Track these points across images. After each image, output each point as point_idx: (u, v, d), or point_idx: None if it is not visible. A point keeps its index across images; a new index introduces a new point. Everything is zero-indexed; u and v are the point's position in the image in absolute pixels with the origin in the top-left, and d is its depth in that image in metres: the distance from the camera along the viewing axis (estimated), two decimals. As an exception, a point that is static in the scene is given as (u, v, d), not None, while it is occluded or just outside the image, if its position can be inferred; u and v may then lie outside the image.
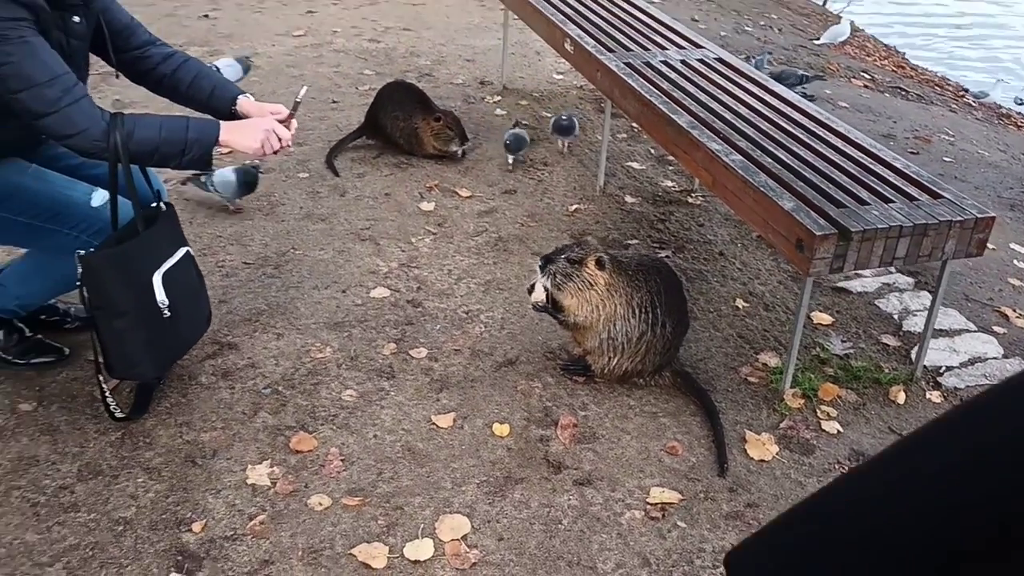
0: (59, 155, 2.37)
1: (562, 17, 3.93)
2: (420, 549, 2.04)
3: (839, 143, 2.82)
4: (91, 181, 2.33)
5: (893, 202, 2.46)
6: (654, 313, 2.49)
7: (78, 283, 2.16)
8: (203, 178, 3.32)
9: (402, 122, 3.94)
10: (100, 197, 2.28)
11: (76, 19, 2.17)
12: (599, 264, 2.47)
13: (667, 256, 3.28)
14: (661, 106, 3.02)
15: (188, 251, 2.38)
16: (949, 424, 0.81)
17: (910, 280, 3.29)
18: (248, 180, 3.36)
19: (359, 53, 5.31)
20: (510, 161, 3.90)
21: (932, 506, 0.78)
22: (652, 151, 4.23)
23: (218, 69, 4.15)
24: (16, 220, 2.23)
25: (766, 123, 2.94)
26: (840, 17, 9.61)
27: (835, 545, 0.86)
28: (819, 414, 2.56)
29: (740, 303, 3.07)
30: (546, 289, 2.51)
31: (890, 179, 2.59)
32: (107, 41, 2.30)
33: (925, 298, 3.14)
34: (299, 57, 5.12)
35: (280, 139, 2.31)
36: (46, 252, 2.33)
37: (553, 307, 2.54)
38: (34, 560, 1.96)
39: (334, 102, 4.54)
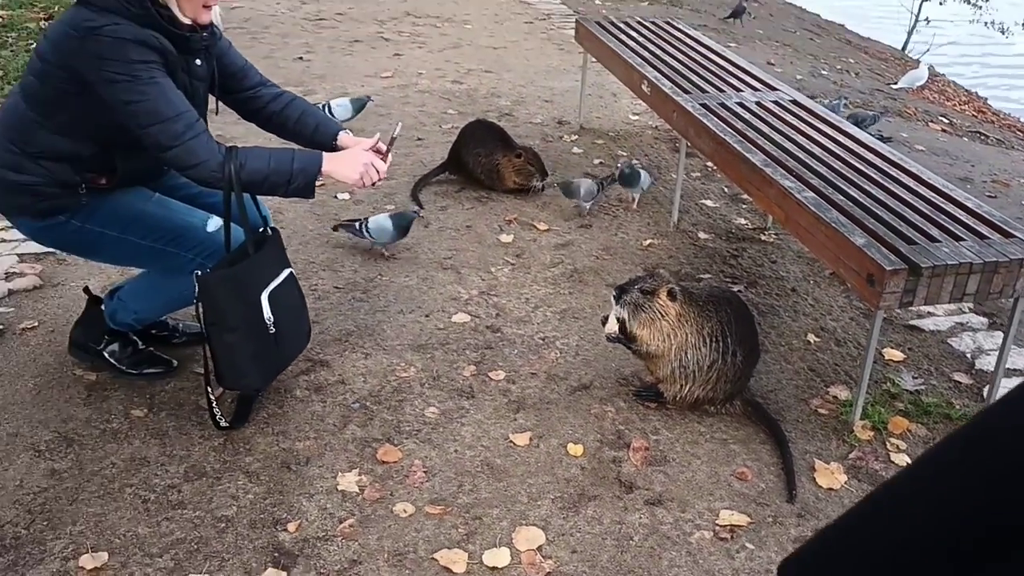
0: (179, 185, 2.60)
1: (640, 60, 4.08)
2: (498, 557, 2.16)
3: (911, 183, 2.88)
4: (207, 209, 2.55)
5: (964, 240, 2.52)
6: (724, 342, 2.58)
7: (195, 300, 2.37)
8: (357, 224, 3.46)
9: (483, 158, 4.12)
10: (215, 223, 2.49)
11: (198, 62, 2.40)
12: (671, 295, 2.57)
13: (739, 291, 3.36)
14: (735, 145, 3.13)
15: (291, 272, 2.57)
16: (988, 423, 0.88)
17: (984, 320, 3.30)
18: (403, 224, 3.47)
19: (443, 94, 5.55)
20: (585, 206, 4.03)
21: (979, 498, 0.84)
22: (725, 189, 4.33)
23: (329, 107, 4.47)
24: (141, 243, 2.45)
25: (838, 162, 3.02)
26: (919, 62, 9.57)
27: (887, 543, 0.88)
28: (888, 446, 2.60)
29: (811, 338, 3.13)
30: (619, 320, 2.63)
31: (961, 218, 2.65)
32: (217, 82, 2.53)
33: (998, 337, 3.15)
34: (387, 97, 5.38)
35: (377, 171, 2.50)
36: (164, 273, 2.55)
37: (626, 337, 2.65)
38: (145, 551, 2.14)
39: (419, 139, 4.76)
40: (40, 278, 3.23)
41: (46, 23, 6.58)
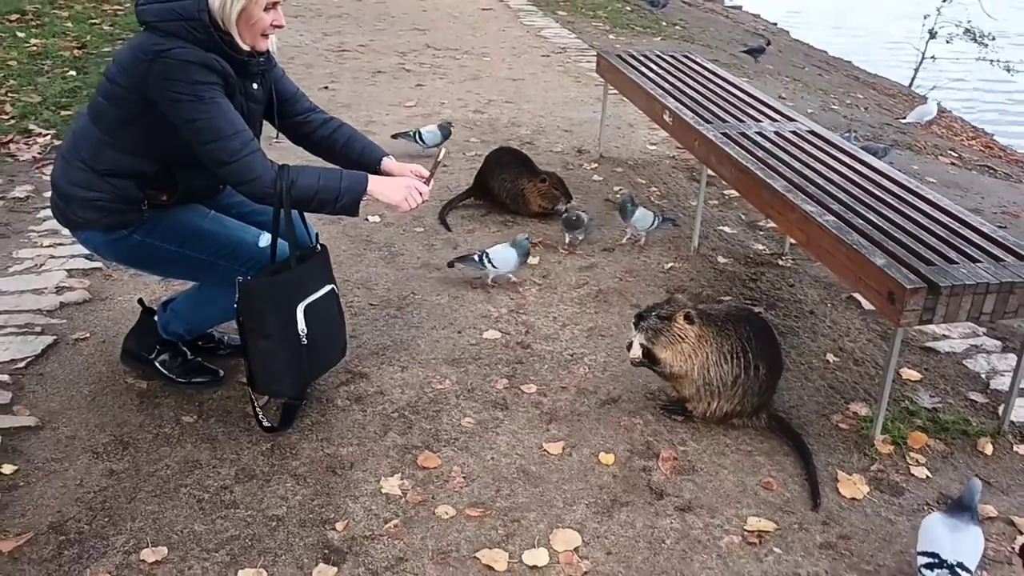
0: (233, 203, 2.74)
1: (661, 92, 4.24)
2: (537, 556, 2.26)
3: (928, 208, 3.01)
4: (258, 227, 2.68)
5: (980, 262, 2.64)
6: (746, 357, 2.70)
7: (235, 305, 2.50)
8: (477, 256, 3.53)
9: (509, 184, 4.27)
10: (266, 239, 2.62)
11: (255, 86, 2.55)
12: (687, 319, 2.71)
13: (759, 312, 3.48)
14: (757, 171, 3.27)
15: (333, 288, 2.70)
16: None
17: (997, 343, 3.41)
18: (524, 251, 3.57)
19: (465, 123, 5.72)
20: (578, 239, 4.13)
21: None
22: (743, 217, 4.47)
23: (420, 134, 4.81)
24: (197, 257, 2.59)
25: (857, 189, 3.16)
26: (926, 98, 9.75)
27: None
28: (908, 460, 2.70)
29: (831, 357, 3.24)
30: (642, 345, 2.76)
31: (977, 241, 2.77)
32: (276, 107, 2.68)
33: (1011, 359, 3.26)
34: (411, 126, 5.54)
35: (420, 194, 2.64)
36: (216, 286, 2.68)
37: (650, 360, 2.78)
38: (202, 546, 2.24)
39: (444, 166, 4.92)
40: (89, 292, 3.36)
41: (79, 51, 6.79)
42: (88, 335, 3.10)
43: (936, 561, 2.07)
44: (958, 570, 2.06)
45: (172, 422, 2.69)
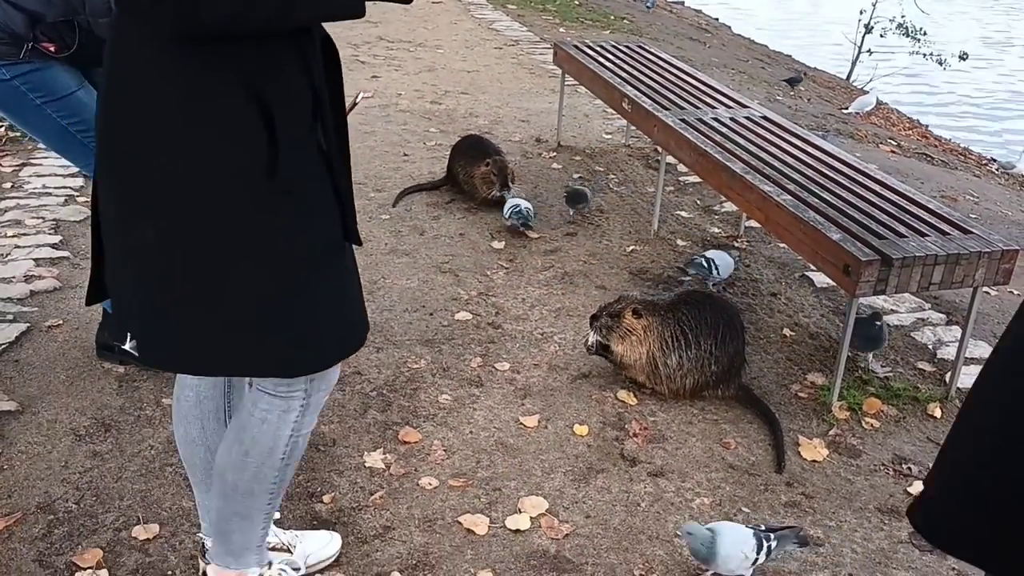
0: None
1: (620, 80, 4.36)
2: (519, 521, 2.35)
3: (877, 188, 3.17)
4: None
5: (928, 236, 2.80)
6: (686, 339, 2.85)
7: None
8: (705, 262, 3.53)
9: (464, 171, 4.34)
10: None
11: None
12: (635, 313, 2.90)
13: (719, 291, 3.62)
14: (716, 155, 3.40)
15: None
16: None
17: (943, 316, 3.60)
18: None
19: (423, 113, 5.78)
20: (571, 213, 4.26)
21: None
22: (698, 202, 4.61)
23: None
24: (55, 119, 2.57)
25: (811, 170, 3.31)
26: (864, 91, 10.09)
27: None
28: (864, 425, 2.86)
29: (787, 332, 3.39)
30: (597, 342, 2.97)
31: (925, 217, 2.94)
32: None
33: (956, 331, 3.45)
34: (369, 116, 5.58)
35: None
36: (73, 157, 2.70)
37: (607, 352, 2.97)
38: (192, 521, 2.28)
39: (405, 155, 4.98)
40: (58, 280, 3.36)
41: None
42: (61, 322, 3.10)
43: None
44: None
45: (152, 404, 2.72)
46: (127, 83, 1.52)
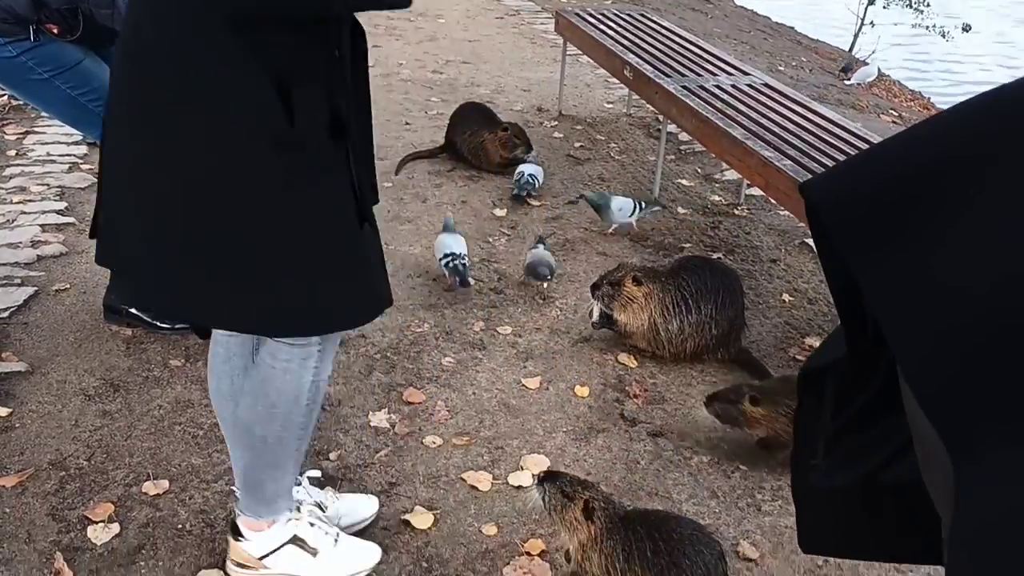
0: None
1: (621, 48, 4.36)
2: (521, 478, 2.40)
3: (876, 153, 3.19)
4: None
5: (926, 200, 2.83)
6: (686, 304, 2.88)
7: None
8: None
9: (469, 138, 4.36)
10: None
11: None
12: (635, 281, 2.91)
13: (719, 257, 3.65)
14: (717, 121, 3.42)
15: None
16: None
17: (939, 282, 3.64)
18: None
19: (424, 83, 5.78)
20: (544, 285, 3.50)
21: None
22: (698, 171, 4.63)
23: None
24: (63, 90, 2.61)
25: (812, 136, 3.33)
26: (866, 62, 10.04)
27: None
28: (860, 386, 2.90)
29: (786, 297, 3.43)
30: (600, 311, 2.98)
31: (922, 182, 2.96)
32: None
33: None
34: (370, 86, 5.58)
35: None
36: (83, 126, 2.76)
37: (610, 323, 2.99)
38: (201, 477, 2.34)
39: (407, 124, 4.99)
40: (64, 245, 3.39)
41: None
42: (68, 286, 3.14)
43: (451, 255, 3.23)
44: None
45: (160, 366, 2.76)
46: (159, 40, 1.55)
